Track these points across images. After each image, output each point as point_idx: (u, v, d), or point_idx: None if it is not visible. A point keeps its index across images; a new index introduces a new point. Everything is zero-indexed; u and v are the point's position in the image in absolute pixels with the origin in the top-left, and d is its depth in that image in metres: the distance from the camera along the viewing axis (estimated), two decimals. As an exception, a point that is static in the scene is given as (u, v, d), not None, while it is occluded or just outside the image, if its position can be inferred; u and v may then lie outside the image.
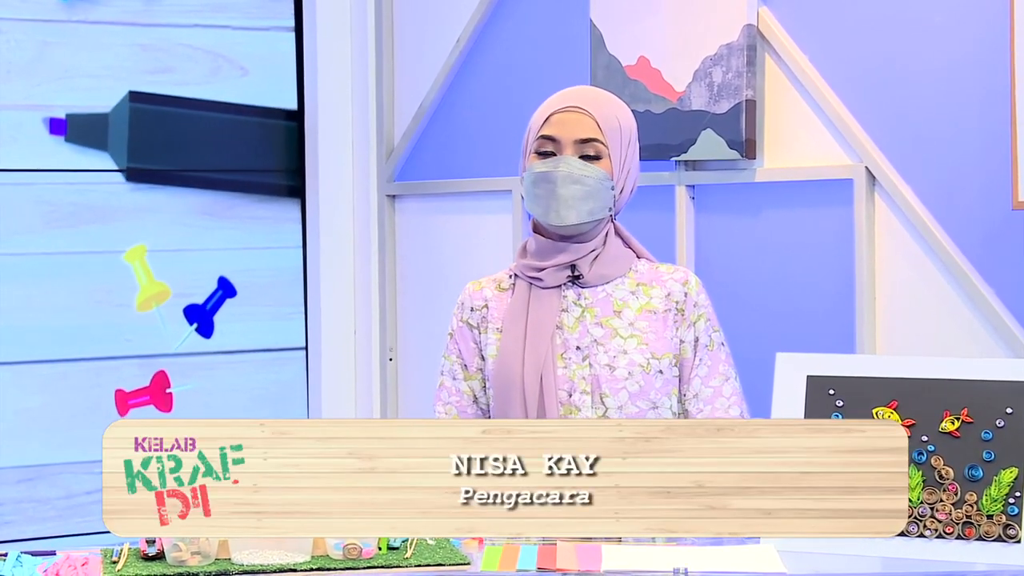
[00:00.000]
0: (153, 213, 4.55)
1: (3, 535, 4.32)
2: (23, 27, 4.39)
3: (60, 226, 4.44)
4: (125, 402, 4.51)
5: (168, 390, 4.56)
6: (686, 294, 2.84)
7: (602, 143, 2.80)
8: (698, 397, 2.82)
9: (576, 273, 2.83)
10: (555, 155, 2.80)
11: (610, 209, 2.84)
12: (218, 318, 4.65)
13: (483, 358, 2.88)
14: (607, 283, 2.85)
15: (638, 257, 2.90)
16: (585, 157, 2.80)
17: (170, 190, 4.58)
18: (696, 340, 2.83)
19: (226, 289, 4.63)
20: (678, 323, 2.83)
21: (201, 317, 4.60)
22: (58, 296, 4.44)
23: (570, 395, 2.78)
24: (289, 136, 4.74)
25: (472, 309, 2.90)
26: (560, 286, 2.84)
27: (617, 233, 2.88)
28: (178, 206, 4.59)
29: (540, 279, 2.84)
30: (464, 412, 2.88)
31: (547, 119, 2.82)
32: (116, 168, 4.50)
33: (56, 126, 4.42)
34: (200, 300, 4.62)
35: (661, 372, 2.80)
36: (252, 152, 4.70)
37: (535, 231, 2.88)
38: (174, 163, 4.58)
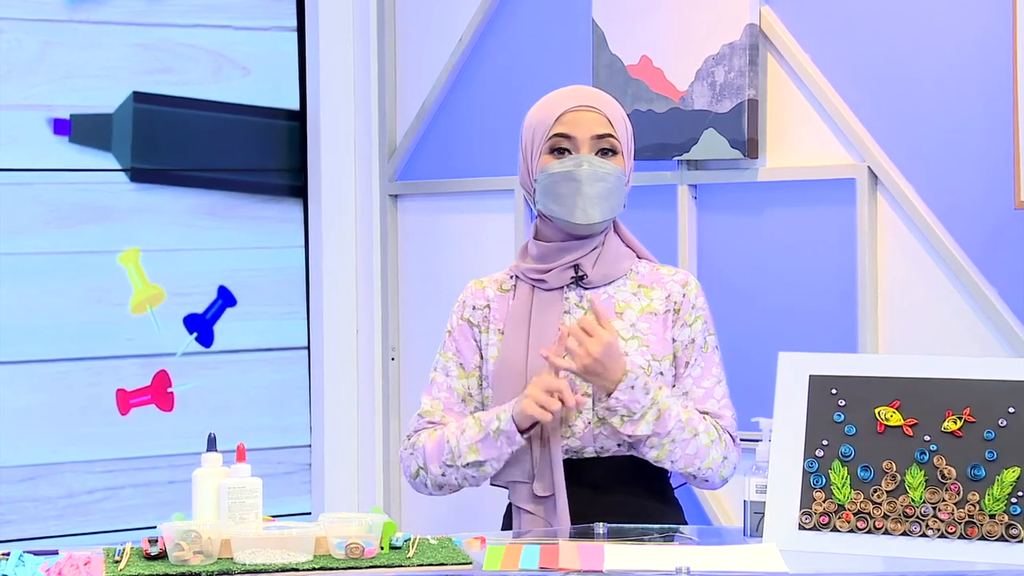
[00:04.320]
0: (154, 213, 4.55)
1: (4, 535, 4.32)
2: (24, 27, 4.38)
3: (61, 226, 4.43)
4: (127, 401, 4.51)
5: (169, 389, 4.56)
6: (684, 295, 2.85)
7: (616, 138, 2.81)
8: (688, 395, 2.82)
9: (580, 273, 2.83)
10: (571, 153, 2.80)
11: (623, 206, 2.85)
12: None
13: (482, 357, 2.88)
14: (609, 284, 2.85)
15: (639, 257, 2.90)
16: (602, 152, 2.80)
17: (172, 190, 4.57)
18: (692, 341, 2.83)
19: (226, 298, 4.63)
20: (674, 323, 2.84)
21: (201, 326, 4.60)
22: (59, 295, 4.43)
23: (571, 397, 2.78)
24: (291, 136, 4.74)
25: (474, 308, 2.90)
26: (563, 288, 2.84)
27: (616, 231, 2.88)
28: (180, 206, 4.58)
29: (544, 281, 2.84)
30: (450, 409, 2.87)
31: (559, 118, 2.80)
32: (120, 168, 4.50)
33: (60, 126, 4.42)
34: (200, 300, 4.62)
35: (662, 374, 2.81)
36: (255, 152, 4.70)
37: (536, 237, 2.87)
38: (177, 163, 4.58)
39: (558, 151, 2.80)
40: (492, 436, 2.74)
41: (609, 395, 2.71)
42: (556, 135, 2.80)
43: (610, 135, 2.80)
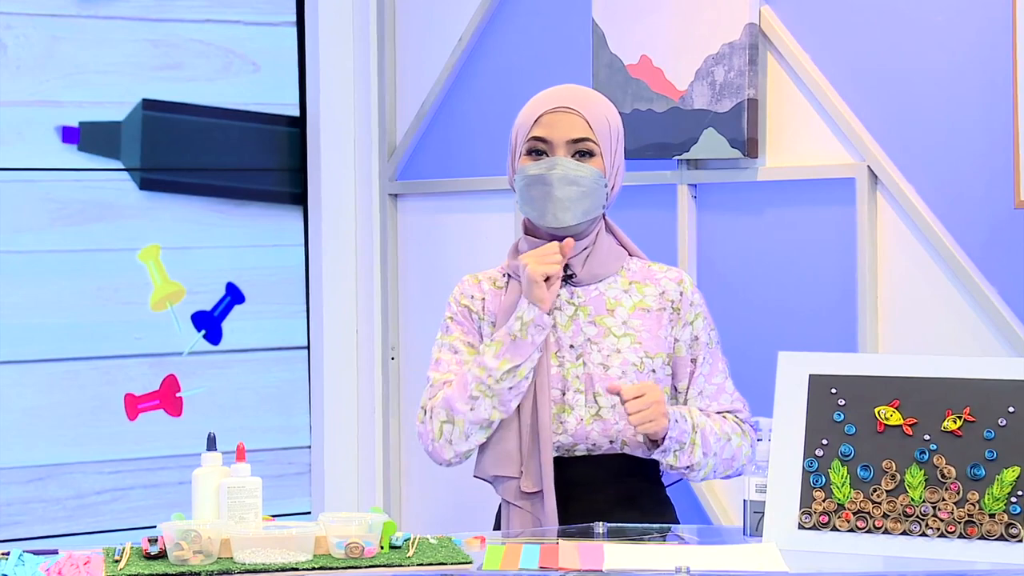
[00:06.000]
0: (159, 212, 4.54)
1: (13, 534, 4.31)
2: (32, 22, 4.36)
3: (68, 224, 4.42)
4: (135, 406, 4.51)
5: (178, 394, 4.56)
6: (682, 293, 2.85)
7: (594, 142, 2.80)
8: (703, 394, 2.83)
9: (569, 272, 2.83)
10: (547, 155, 2.80)
11: (603, 207, 2.84)
12: (221, 317, 4.66)
13: (482, 340, 2.88)
14: (599, 281, 2.85)
15: (630, 255, 2.90)
16: (578, 155, 2.80)
17: (178, 196, 4.56)
18: (696, 338, 2.84)
19: (234, 295, 4.63)
20: (673, 322, 2.84)
21: (209, 324, 4.60)
22: (66, 294, 4.43)
23: (563, 393, 2.79)
24: (291, 135, 4.73)
25: (472, 296, 2.90)
26: None
27: (608, 230, 2.89)
28: (184, 205, 4.57)
29: None
30: None
31: (537, 120, 2.80)
32: (126, 168, 4.49)
33: (69, 134, 4.40)
34: (204, 298, 4.61)
35: (654, 371, 2.81)
36: (255, 151, 4.69)
37: (527, 232, 2.88)
38: (185, 167, 4.56)
39: (535, 153, 2.81)
40: (520, 334, 2.74)
41: (662, 439, 2.72)
42: (533, 138, 2.80)
43: (587, 139, 2.79)
